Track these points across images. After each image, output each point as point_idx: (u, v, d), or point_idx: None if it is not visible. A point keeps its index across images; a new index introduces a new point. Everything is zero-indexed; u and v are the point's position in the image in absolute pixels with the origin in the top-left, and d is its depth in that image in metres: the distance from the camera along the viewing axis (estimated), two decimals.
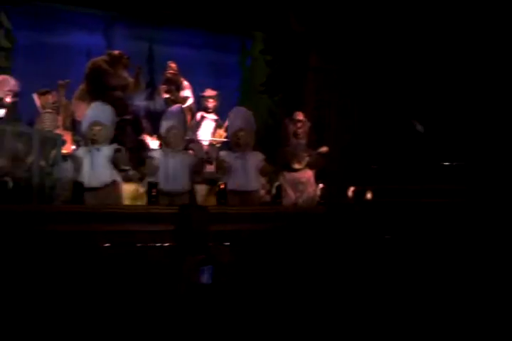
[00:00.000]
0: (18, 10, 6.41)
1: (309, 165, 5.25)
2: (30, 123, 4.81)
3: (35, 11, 6.53)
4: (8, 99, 4.42)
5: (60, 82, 5.34)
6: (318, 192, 5.22)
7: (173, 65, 6.17)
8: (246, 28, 7.47)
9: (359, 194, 5.19)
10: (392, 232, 4.58)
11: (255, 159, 4.93)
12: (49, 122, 4.81)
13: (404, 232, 4.61)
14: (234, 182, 4.73)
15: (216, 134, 6.11)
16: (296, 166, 5.20)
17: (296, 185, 5.15)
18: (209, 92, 6.29)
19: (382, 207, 5.03)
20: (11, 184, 3.80)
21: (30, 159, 4.10)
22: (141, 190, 4.54)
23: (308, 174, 5.26)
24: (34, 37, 6.49)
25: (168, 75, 6.08)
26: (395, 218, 4.83)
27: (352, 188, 5.28)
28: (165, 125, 4.67)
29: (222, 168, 4.77)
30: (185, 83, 6.22)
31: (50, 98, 5.05)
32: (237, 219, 4.20)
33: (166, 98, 5.98)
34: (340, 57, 6.69)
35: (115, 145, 4.50)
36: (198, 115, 6.19)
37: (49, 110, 4.75)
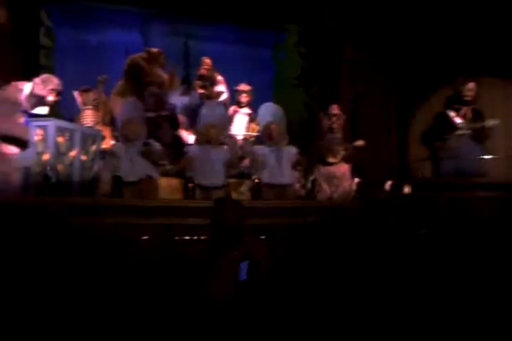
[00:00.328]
0: (57, 8, 6.61)
1: (345, 159, 5.22)
2: (71, 120, 4.96)
3: (74, 9, 6.70)
4: (51, 98, 4.55)
5: (99, 78, 5.47)
6: (354, 187, 5.17)
7: (208, 61, 6.21)
8: (280, 22, 7.44)
9: (396, 188, 5.12)
10: (428, 227, 4.50)
11: (289, 153, 4.95)
12: (89, 118, 4.95)
13: (442, 227, 4.52)
14: (268, 176, 4.76)
15: (250, 128, 6.13)
16: (331, 160, 5.18)
17: (331, 179, 5.14)
18: (243, 87, 6.31)
19: (421, 201, 4.95)
20: (53, 178, 3.94)
21: (71, 154, 4.25)
22: (178, 184, 4.62)
23: (344, 168, 5.23)
24: (73, 35, 6.67)
25: (203, 71, 6.12)
26: (433, 213, 4.74)
27: (389, 182, 5.21)
28: (203, 120, 4.74)
29: (257, 162, 4.80)
30: (219, 78, 6.25)
31: (90, 95, 5.19)
32: (272, 213, 4.22)
33: (201, 93, 6.03)
34: (376, 49, 6.59)
35: (152, 142, 4.59)
36: (231, 109, 6.22)
37: (89, 107, 4.89)
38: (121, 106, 4.69)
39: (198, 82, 6.13)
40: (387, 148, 6.42)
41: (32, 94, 4.47)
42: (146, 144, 4.46)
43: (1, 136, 4.33)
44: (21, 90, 4.49)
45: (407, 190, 5.14)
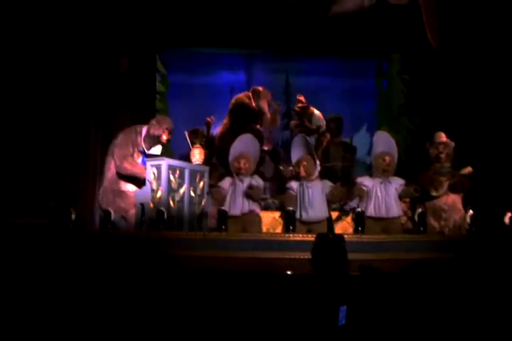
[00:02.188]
0: (171, 56, 7.25)
1: (452, 190, 4.89)
2: (181, 158, 5.31)
3: (186, 55, 7.31)
4: (165, 137, 4.92)
5: (207, 119, 5.83)
6: (468, 220, 4.81)
7: (301, 98, 6.33)
8: (382, 51, 7.41)
9: None
10: None
11: (396, 184, 4.78)
12: (198, 156, 5.26)
13: None
14: (372, 209, 4.64)
15: (346, 159, 6.06)
16: (434, 193, 4.88)
17: (438, 212, 4.84)
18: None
19: None
20: (166, 213, 4.22)
21: (181, 190, 4.53)
22: (280, 218, 4.69)
23: (452, 199, 4.89)
24: (184, 79, 7.26)
25: (297, 109, 6.24)
26: None
27: (509, 214, 4.78)
28: (292, 156, 4.80)
29: (362, 194, 4.70)
30: (316, 112, 6.31)
31: (199, 135, 5.53)
32: (377, 248, 4.08)
33: (298, 131, 6.14)
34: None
35: (256, 178, 4.72)
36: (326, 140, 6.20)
37: (198, 145, 5.21)
38: (236, 141, 4.91)
39: (292, 121, 6.26)
40: (502, 174, 5.93)
41: (148, 135, 4.89)
42: (251, 188, 4.58)
43: (123, 175, 4.78)
44: (140, 132, 4.93)
45: None
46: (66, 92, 5.77)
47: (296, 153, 4.78)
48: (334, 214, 4.96)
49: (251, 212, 4.60)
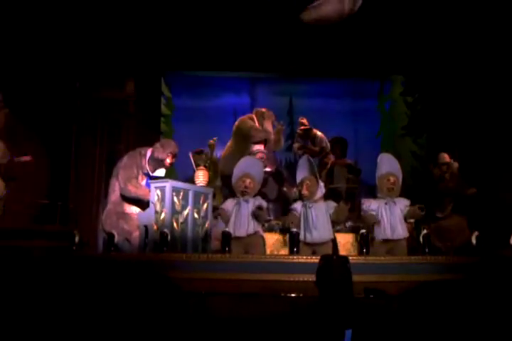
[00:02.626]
0: (176, 80, 7.37)
1: (456, 212, 4.88)
2: (186, 179, 5.32)
3: (191, 79, 7.42)
4: (168, 160, 4.95)
5: (210, 141, 5.87)
6: (473, 241, 4.77)
7: (303, 121, 6.39)
8: (384, 73, 7.50)
9: None
10: None
11: (401, 205, 4.77)
12: (202, 178, 5.27)
13: None
14: (380, 230, 4.61)
15: (350, 180, 6.06)
16: (439, 215, 4.86)
17: (443, 233, 4.81)
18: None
19: None
20: (169, 235, 4.21)
21: (185, 212, 4.53)
22: (284, 240, 4.66)
23: (457, 220, 4.88)
24: (189, 102, 7.36)
25: (299, 132, 6.30)
26: None
27: None
28: (298, 178, 4.81)
29: (375, 220, 4.66)
30: (319, 133, 6.35)
31: (202, 156, 5.56)
32: (382, 269, 4.04)
33: (301, 153, 6.17)
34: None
35: (259, 199, 4.72)
36: (331, 161, 6.23)
37: (202, 167, 5.23)
38: (240, 162, 4.93)
39: (295, 144, 6.30)
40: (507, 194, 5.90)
41: (153, 158, 4.92)
42: (260, 208, 4.57)
43: (127, 197, 4.79)
44: (145, 155, 4.97)
45: None
46: (71, 113, 5.85)
47: (301, 174, 4.80)
48: (339, 236, 4.92)
49: (256, 233, 4.58)
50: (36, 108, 5.67)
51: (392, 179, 4.74)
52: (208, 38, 6.31)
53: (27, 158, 5.03)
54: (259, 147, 5.83)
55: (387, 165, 4.89)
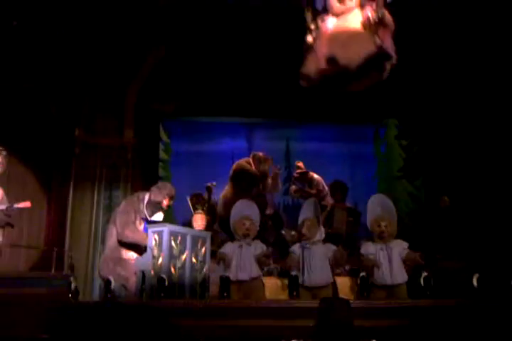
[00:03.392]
0: (174, 125, 7.51)
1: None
2: (184, 223, 5.31)
3: (189, 124, 7.58)
4: (165, 202, 4.96)
5: (208, 184, 5.92)
6: (475, 283, 4.71)
7: (300, 164, 6.48)
8: (378, 117, 7.66)
9: None
10: None
11: (399, 248, 4.71)
12: (200, 222, 5.27)
13: None
14: (378, 275, 4.55)
15: (349, 224, 6.06)
16: (439, 256, 4.83)
17: (444, 275, 4.76)
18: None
19: None
20: (167, 280, 4.15)
21: (183, 257, 4.49)
22: (282, 284, 4.60)
23: (457, 262, 4.84)
24: (186, 147, 7.47)
25: (296, 175, 6.38)
26: None
27: None
28: (300, 218, 4.81)
29: (374, 264, 4.57)
30: (316, 176, 6.42)
31: (200, 200, 5.58)
32: (382, 314, 3.96)
33: (297, 197, 6.22)
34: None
35: (260, 243, 4.70)
36: (330, 204, 6.25)
37: (199, 211, 5.24)
38: (237, 204, 4.94)
39: (292, 187, 6.37)
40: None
41: (150, 201, 4.93)
42: (266, 256, 4.55)
43: (124, 242, 4.76)
44: (142, 200, 4.98)
45: None
46: (69, 158, 5.92)
47: (303, 215, 4.81)
48: (339, 279, 4.86)
49: (258, 277, 4.53)
50: (36, 152, 5.75)
51: (382, 224, 4.64)
52: (205, 85, 6.50)
53: (25, 205, 5.03)
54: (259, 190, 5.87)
55: (378, 208, 4.79)
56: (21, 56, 5.59)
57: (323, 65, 2.71)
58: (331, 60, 2.67)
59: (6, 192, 5.15)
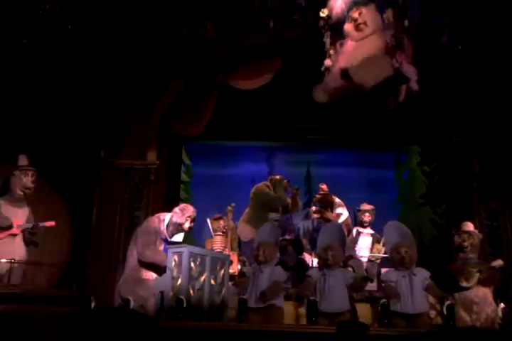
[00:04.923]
0: (196, 148, 7.62)
1: (482, 282, 4.71)
2: (204, 245, 5.33)
3: (211, 148, 7.68)
4: (187, 225, 4.99)
5: (228, 207, 5.95)
6: (500, 313, 4.57)
7: (324, 187, 6.49)
8: (400, 143, 7.64)
9: None
10: None
11: (421, 277, 4.61)
12: (219, 244, 5.28)
13: None
14: (399, 303, 4.45)
15: (374, 250, 5.98)
16: (464, 284, 4.69)
17: (469, 305, 4.61)
18: (365, 206, 6.35)
19: None
20: (185, 302, 4.15)
21: (202, 278, 4.49)
22: (301, 308, 4.55)
23: (483, 292, 4.69)
24: (208, 170, 7.55)
25: (318, 197, 6.38)
26: None
27: None
28: (321, 243, 4.77)
29: (395, 292, 4.49)
30: (337, 200, 6.41)
31: (220, 222, 5.61)
32: None
33: (318, 218, 6.21)
34: (507, 162, 6.31)
35: (278, 269, 4.67)
36: (354, 230, 6.21)
37: (219, 233, 5.25)
38: (260, 230, 4.95)
39: (313, 208, 6.37)
40: None
41: (171, 223, 4.97)
42: (263, 294, 4.49)
43: (144, 262, 4.79)
44: (163, 220, 5.03)
45: None
46: (94, 179, 6.04)
47: (326, 240, 4.76)
48: (358, 306, 4.78)
49: (270, 306, 4.48)
50: (62, 173, 5.90)
51: (402, 250, 4.60)
52: (227, 109, 6.61)
53: (50, 224, 5.14)
54: (276, 214, 5.88)
55: (395, 235, 4.77)
56: (50, 80, 5.81)
57: (338, 79, 2.77)
58: (345, 74, 2.73)
59: (33, 211, 5.28)
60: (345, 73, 2.71)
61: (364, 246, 6.06)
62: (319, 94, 2.97)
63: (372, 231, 6.20)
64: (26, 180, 5.11)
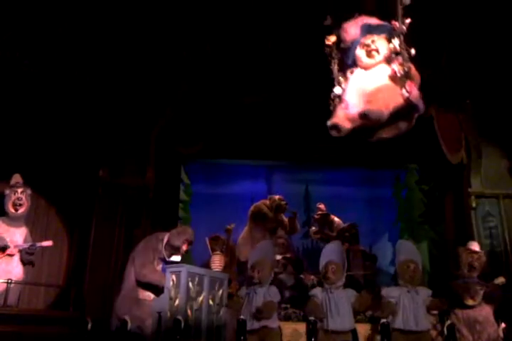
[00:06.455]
0: (195, 167, 7.62)
1: (486, 300, 4.68)
2: (202, 264, 5.28)
3: (209, 167, 7.68)
4: (184, 248, 4.97)
5: (227, 226, 5.93)
6: (501, 333, 4.52)
7: (321, 206, 6.50)
8: (399, 162, 7.65)
9: None
10: None
11: (424, 295, 4.63)
12: (218, 263, 5.23)
13: None
14: (401, 321, 4.42)
15: (366, 267, 5.95)
16: (470, 302, 4.66)
17: (472, 324, 4.58)
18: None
19: None
20: (183, 322, 4.09)
21: (200, 298, 4.44)
22: (301, 328, 4.49)
23: (486, 311, 4.66)
24: (207, 189, 7.53)
25: (316, 217, 6.37)
26: None
27: None
28: (322, 261, 4.76)
29: (394, 309, 4.52)
30: (336, 219, 6.40)
31: (219, 242, 5.57)
32: None
33: (317, 238, 6.19)
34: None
35: (272, 288, 4.63)
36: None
37: (218, 252, 5.22)
38: (255, 248, 4.92)
39: (312, 228, 6.36)
40: None
41: (168, 244, 4.94)
42: (259, 312, 4.46)
43: (142, 282, 4.74)
44: (162, 240, 5.00)
45: None
46: (92, 198, 6.03)
47: (327, 258, 4.76)
48: (359, 326, 4.73)
49: (263, 327, 4.43)
50: (60, 192, 5.89)
51: (412, 266, 4.71)
52: (226, 128, 6.65)
53: (48, 244, 5.12)
54: (281, 233, 5.86)
55: (406, 252, 4.90)
56: (51, 99, 5.86)
57: (356, 120, 2.84)
58: (364, 116, 2.80)
59: (31, 231, 5.25)
60: (363, 116, 2.79)
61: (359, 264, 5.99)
62: (335, 131, 3.02)
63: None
64: (15, 197, 5.11)
